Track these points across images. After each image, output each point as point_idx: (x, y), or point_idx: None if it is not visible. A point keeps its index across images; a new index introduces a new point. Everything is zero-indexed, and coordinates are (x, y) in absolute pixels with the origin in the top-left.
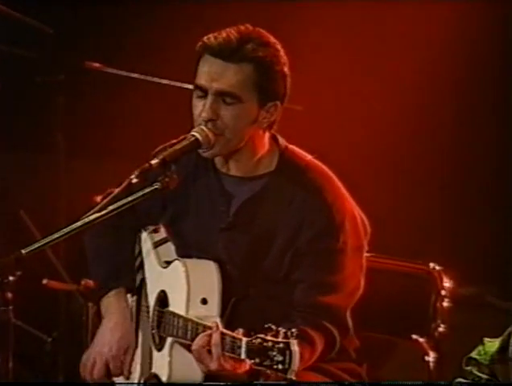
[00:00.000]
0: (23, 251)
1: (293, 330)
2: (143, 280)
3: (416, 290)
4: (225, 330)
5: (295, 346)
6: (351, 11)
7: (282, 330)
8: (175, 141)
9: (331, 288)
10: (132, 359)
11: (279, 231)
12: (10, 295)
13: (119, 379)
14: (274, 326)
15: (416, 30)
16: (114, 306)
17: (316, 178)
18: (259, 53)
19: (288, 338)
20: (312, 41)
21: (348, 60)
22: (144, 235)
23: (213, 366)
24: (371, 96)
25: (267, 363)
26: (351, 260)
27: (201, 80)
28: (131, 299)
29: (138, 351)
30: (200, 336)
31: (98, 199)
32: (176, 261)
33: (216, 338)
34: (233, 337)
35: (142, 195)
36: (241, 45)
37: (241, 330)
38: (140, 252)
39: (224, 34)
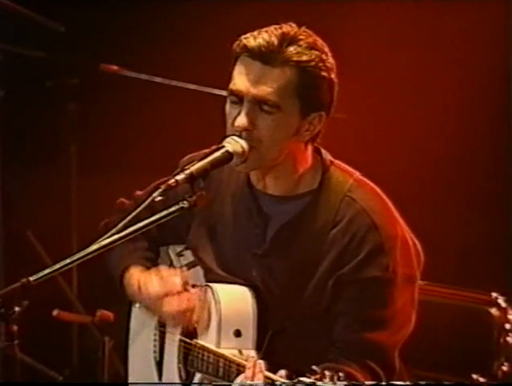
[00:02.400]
0: (31, 278)
1: (340, 374)
2: None
3: (476, 324)
4: (267, 373)
5: None
6: (400, 14)
7: (327, 374)
8: (206, 150)
9: (377, 323)
10: None
11: (322, 257)
12: (15, 328)
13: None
14: (318, 369)
15: (468, 36)
16: (142, 271)
17: (364, 197)
18: (304, 57)
19: (335, 384)
20: (357, 43)
21: (396, 65)
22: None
23: None
24: (421, 103)
25: None
26: (401, 292)
27: (237, 84)
28: (154, 323)
29: None
30: (243, 381)
31: (126, 202)
32: (205, 287)
33: (260, 384)
34: (273, 380)
35: (167, 215)
36: (284, 47)
37: (283, 372)
38: None
39: (264, 35)
